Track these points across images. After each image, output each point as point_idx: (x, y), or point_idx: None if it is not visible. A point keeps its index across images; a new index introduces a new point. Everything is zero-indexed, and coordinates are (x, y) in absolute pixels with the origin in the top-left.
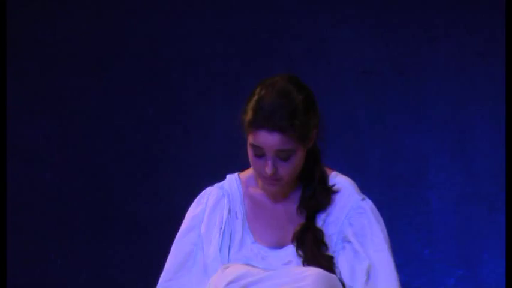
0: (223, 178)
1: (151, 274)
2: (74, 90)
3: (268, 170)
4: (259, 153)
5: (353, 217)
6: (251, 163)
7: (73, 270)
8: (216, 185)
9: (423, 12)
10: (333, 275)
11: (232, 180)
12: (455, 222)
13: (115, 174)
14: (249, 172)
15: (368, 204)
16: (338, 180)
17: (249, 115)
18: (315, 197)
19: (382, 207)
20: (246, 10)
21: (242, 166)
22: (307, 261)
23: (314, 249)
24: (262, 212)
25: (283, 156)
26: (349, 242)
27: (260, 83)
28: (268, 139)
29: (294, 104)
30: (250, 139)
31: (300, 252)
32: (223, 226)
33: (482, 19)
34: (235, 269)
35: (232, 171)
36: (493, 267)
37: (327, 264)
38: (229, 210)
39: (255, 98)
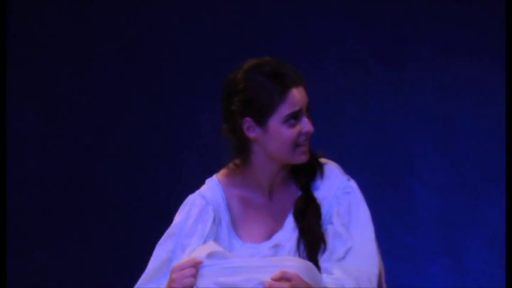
0: (209, 168)
1: (138, 268)
2: (58, 80)
3: (310, 126)
4: (295, 120)
5: (340, 196)
6: (286, 140)
7: (58, 261)
8: (197, 193)
9: (408, 2)
10: (310, 263)
11: (213, 186)
12: (439, 209)
13: (101, 164)
14: (228, 171)
15: (354, 184)
16: (323, 161)
17: (265, 93)
18: (309, 164)
19: (365, 194)
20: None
21: (228, 156)
22: (305, 230)
23: (314, 219)
24: (250, 210)
25: (308, 109)
26: (331, 223)
27: (236, 72)
28: (300, 94)
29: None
30: (284, 109)
31: (300, 222)
32: (205, 235)
33: (466, 8)
34: (218, 246)
35: (218, 162)
36: (476, 254)
37: (321, 238)
38: (214, 219)
39: (253, 82)
